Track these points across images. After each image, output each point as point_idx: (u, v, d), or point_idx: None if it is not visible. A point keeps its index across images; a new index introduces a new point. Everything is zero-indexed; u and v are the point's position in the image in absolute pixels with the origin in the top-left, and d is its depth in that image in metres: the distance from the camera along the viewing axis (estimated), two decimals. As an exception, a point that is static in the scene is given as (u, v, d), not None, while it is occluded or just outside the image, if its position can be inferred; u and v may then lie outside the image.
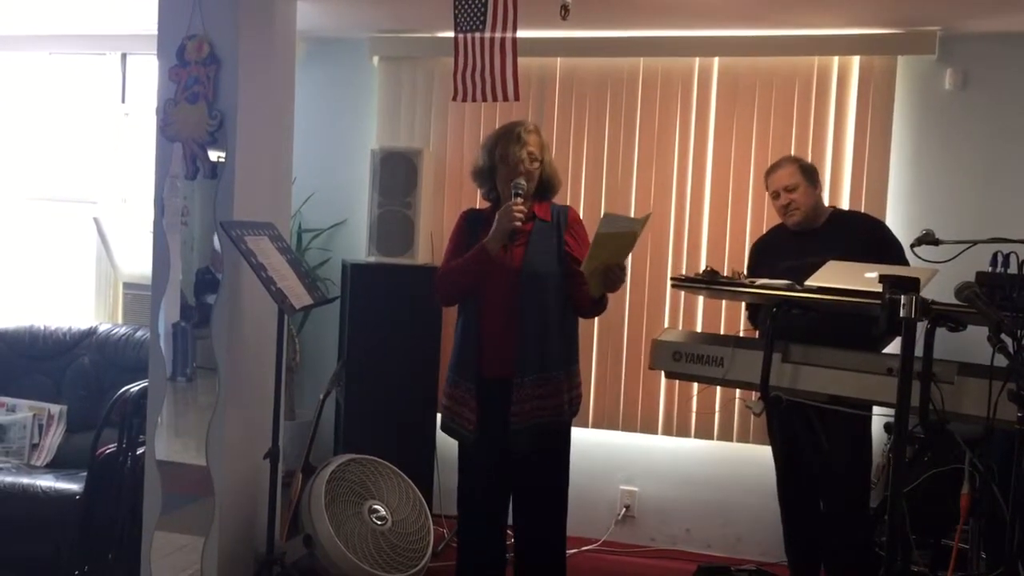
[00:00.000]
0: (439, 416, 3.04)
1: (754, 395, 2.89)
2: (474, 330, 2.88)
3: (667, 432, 4.15)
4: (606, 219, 2.62)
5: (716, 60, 4.07)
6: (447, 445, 3.74)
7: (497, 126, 3.14)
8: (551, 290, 2.85)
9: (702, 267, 3.42)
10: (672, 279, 3.03)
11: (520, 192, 2.79)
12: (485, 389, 2.87)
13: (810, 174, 3.26)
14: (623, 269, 2.73)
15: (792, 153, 3.70)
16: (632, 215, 4.11)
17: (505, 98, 2.99)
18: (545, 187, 2.94)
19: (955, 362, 2.41)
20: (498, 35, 2.95)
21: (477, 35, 2.98)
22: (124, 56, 4.83)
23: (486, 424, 2.86)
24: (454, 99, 3.06)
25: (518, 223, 2.75)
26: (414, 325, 3.99)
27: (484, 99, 3.02)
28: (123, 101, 4.84)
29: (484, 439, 2.88)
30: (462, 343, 2.93)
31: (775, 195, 3.28)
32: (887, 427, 3.55)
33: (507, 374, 2.83)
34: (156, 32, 3.11)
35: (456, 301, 2.99)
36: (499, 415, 2.83)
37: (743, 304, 3.66)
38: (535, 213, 2.90)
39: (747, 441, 4.03)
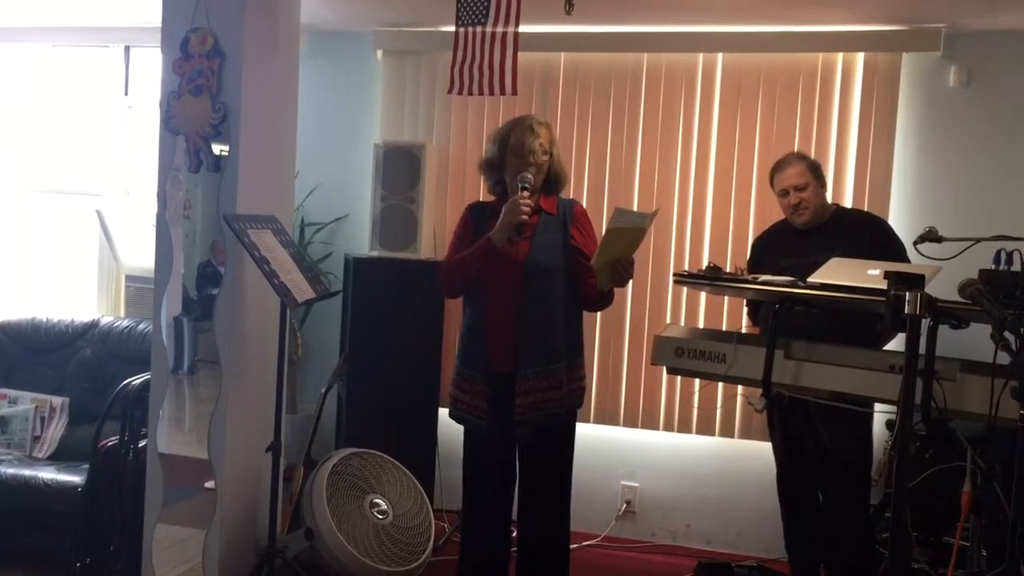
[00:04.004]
0: (445, 412, 3.03)
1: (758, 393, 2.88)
2: (479, 323, 2.89)
3: (668, 428, 4.15)
4: (617, 213, 2.63)
5: (720, 56, 4.06)
6: (449, 439, 3.75)
7: (500, 121, 3.14)
8: (556, 284, 2.85)
9: (705, 263, 3.42)
10: (675, 275, 3.03)
11: (527, 186, 2.79)
12: (493, 381, 2.88)
13: (817, 172, 3.25)
14: (631, 263, 2.73)
15: (796, 150, 3.69)
16: (636, 210, 4.11)
17: (502, 92, 2.99)
18: (552, 182, 2.94)
19: (957, 359, 2.41)
20: (500, 29, 2.94)
21: (479, 29, 2.97)
22: (128, 48, 4.83)
23: (493, 416, 2.87)
24: (450, 92, 3.05)
25: (524, 217, 2.75)
26: (416, 319, 3.99)
27: (480, 93, 3.01)
28: (126, 93, 4.84)
29: (491, 431, 2.88)
30: (468, 335, 2.93)
31: (783, 193, 3.26)
32: (888, 424, 3.55)
33: (511, 367, 2.83)
34: (160, 25, 3.11)
35: (460, 293, 3.00)
36: (504, 407, 2.84)
37: (744, 301, 3.66)
38: (542, 207, 2.90)
39: (749, 437, 4.03)
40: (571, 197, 3.78)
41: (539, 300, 2.82)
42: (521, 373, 2.81)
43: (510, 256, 2.83)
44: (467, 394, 2.91)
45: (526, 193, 2.78)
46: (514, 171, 2.86)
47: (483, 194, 4.23)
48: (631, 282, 4.03)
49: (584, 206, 3.99)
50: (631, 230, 2.63)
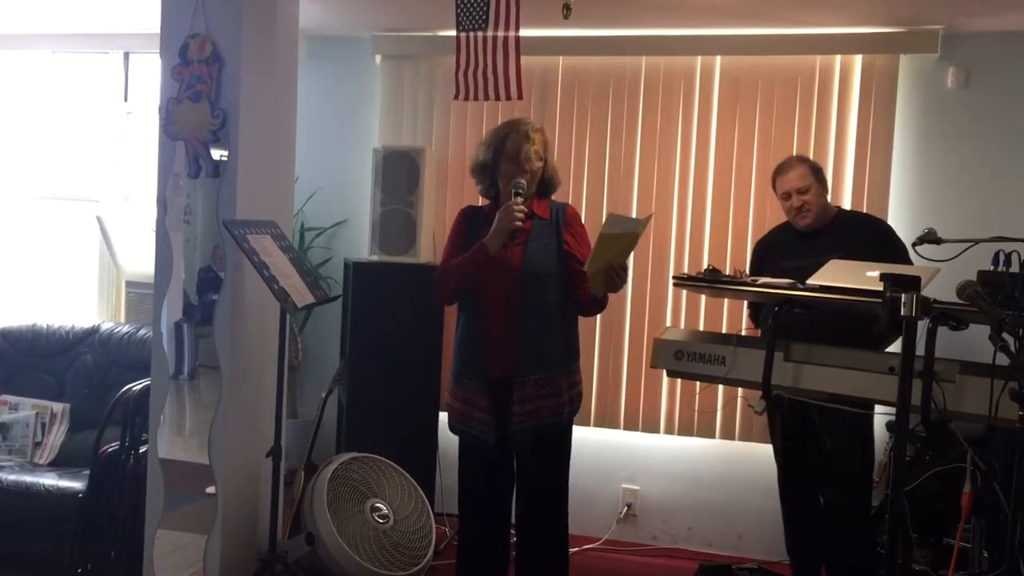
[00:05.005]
0: (446, 417, 3.01)
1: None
2: (475, 330, 2.88)
3: (669, 431, 4.15)
4: (610, 219, 2.63)
5: (718, 59, 4.07)
6: (449, 443, 3.75)
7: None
8: (551, 288, 2.85)
9: (704, 266, 3.43)
10: (674, 278, 3.02)
11: (520, 192, 2.78)
12: (489, 387, 2.87)
13: (819, 174, 3.26)
14: (625, 269, 2.73)
15: (795, 153, 3.69)
16: (634, 215, 4.11)
17: (508, 97, 2.99)
18: (546, 186, 2.94)
19: (957, 361, 2.41)
20: (500, 34, 2.95)
21: (479, 34, 2.98)
22: (127, 55, 4.83)
23: (490, 423, 2.86)
24: (455, 98, 3.07)
25: (518, 223, 2.75)
26: (416, 323, 3.99)
27: (486, 98, 3.02)
28: (126, 100, 4.85)
29: (489, 439, 2.88)
30: (464, 343, 2.92)
31: (786, 196, 3.26)
32: (889, 426, 3.55)
33: (508, 373, 2.83)
34: (159, 31, 3.12)
35: (455, 299, 2.99)
36: (502, 414, 2.83)
37: (745, 303, 3.66)
38: (534, 211, 2.90)
39: (749, 440, 4.03)
40: (569, 201, 3.80)
41: (534, 305, 2.82)
42: (519, 380, 2.80)
43: (504, 262, 2.82)
44: (465, 404, 2.90)
45: (520, 199, 2.77)
46: (508, 177, 2.85)
47: (482, 198, 4.26)
48: (630, 285, 4.08)
49: (583, 210, 4.03)
50: (625, 235, 2.63)
